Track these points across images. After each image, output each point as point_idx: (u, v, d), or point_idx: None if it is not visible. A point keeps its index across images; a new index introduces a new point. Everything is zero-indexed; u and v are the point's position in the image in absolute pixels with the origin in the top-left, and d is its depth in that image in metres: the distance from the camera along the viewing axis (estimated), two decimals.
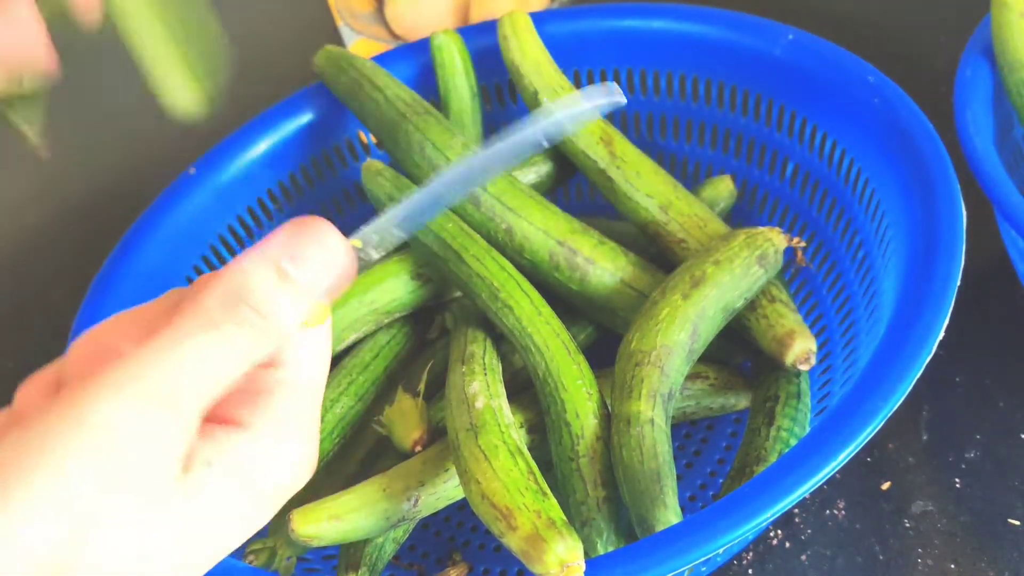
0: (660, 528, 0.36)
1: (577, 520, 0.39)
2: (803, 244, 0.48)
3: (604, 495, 0.39)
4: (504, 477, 0.36)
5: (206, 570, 0.28)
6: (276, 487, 0.28)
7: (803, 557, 0.46)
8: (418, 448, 0.43)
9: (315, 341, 0.30)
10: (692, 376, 0.47)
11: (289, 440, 0.28)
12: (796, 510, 0.48)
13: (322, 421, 0.45)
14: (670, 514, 0.36)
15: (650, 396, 0.39)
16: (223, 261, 0.56)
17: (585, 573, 0.33)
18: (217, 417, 0.28)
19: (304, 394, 0.29)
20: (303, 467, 0.29)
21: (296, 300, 0.27)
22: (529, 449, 0.44)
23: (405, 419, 0.44)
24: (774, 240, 0.45)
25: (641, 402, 0.39)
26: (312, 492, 0.45)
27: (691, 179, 0.59)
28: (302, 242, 0.28)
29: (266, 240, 0.28)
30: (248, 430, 0.28)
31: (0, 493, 0.23)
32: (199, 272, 0.54)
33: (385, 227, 0.30)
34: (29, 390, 0.28)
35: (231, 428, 0.28)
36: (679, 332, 0.41)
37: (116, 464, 0.25)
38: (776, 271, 0.45)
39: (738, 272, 0.43)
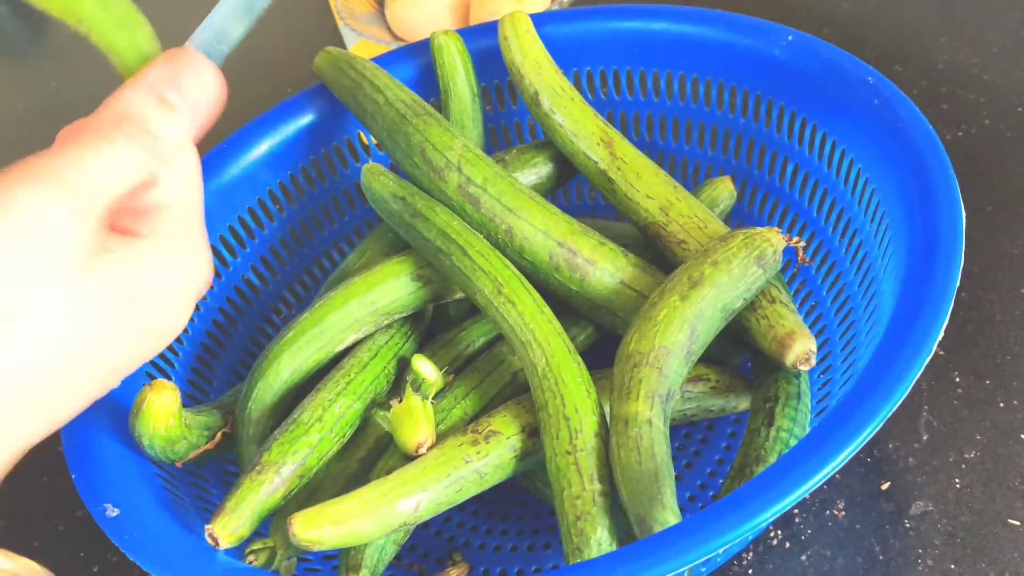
0: (659, 529, 0.36)
1: (572, 514, 0.39)
2: (802, 244, 0.48)
3: (600, 489, 0.39)
4: None
5: (125, 372, 0.33)
6: (179, 289, 0.34)
7: (803, 557, 0.46)
8: (421, 451, 0.43)
9: (186, 163, 0.35)
10: (694, 379, 0.47)
11: (181, 246, 0.34)
12: (796, 510, 0.48)
13: (321, 421, 0.45)
14: (668, 514, 0.36)
15: (648, 397, 0.39)
16: (224, 262, 0.56)
17: (584, 574, 0.33)
18: (115, 230, 0.33)
19: (185, 207, 0.35)
20: (200, 268, 0.35)
21: (176, 122, 0.33)
22: (527, 454, 0.43)
23: (412, 419, 0.44)
24: (773, 241, 0.45)
25: (639, 403, 0.39)
26: (312, 491, 0.46)
27: (691, 179, 0.59)
28: (179, 72, 0.34)
29: (147, 70, 0.33)
30: (145, 239, 0.33)
31: None
32: None
33: (217, 24, 0.36)
34: None
35: (130, 236, 0.33)
36: (677, 333, 0.41)
37: (23, 244, 0.29)
38: (775, 272, 0.45)
39: (736, 273, 0.43)
